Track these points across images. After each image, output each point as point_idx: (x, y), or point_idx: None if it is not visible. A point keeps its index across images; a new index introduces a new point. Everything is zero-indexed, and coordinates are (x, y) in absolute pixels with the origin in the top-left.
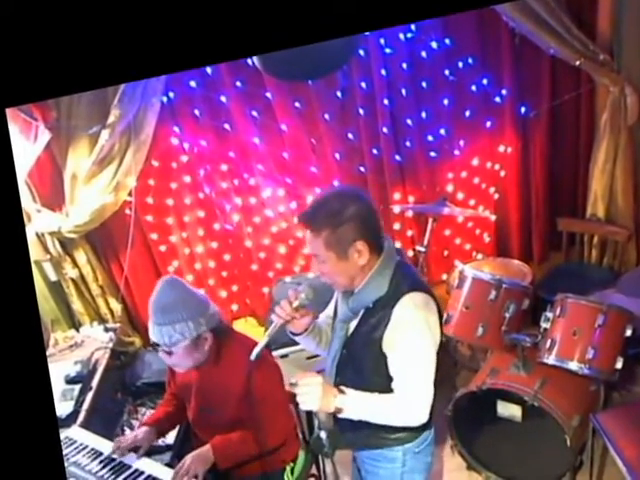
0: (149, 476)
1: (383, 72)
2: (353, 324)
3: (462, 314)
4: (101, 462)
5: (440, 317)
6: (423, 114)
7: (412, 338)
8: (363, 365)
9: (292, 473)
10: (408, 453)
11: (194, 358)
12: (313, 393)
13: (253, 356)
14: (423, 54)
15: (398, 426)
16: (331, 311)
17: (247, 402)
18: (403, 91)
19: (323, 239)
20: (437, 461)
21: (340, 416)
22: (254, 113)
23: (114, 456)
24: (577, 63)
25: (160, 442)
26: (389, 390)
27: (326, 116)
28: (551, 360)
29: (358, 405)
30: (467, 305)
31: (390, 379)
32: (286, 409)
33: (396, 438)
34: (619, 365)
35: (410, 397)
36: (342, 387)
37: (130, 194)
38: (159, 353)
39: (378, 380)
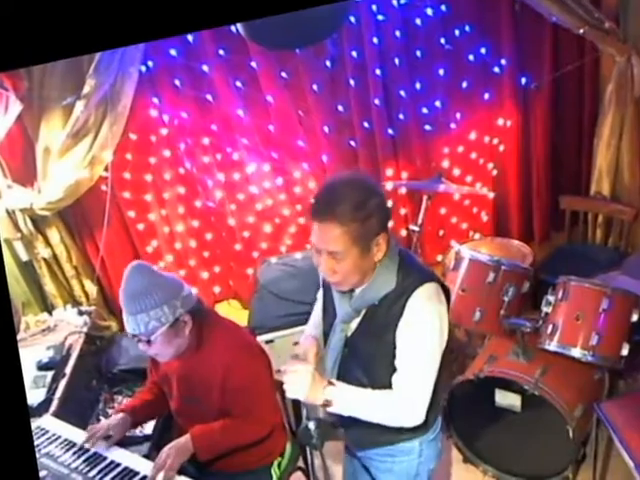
0: (126, 468)
1: (375, 40)
2: (355, 322)
3: (458, 298)
4: (75, 453)
5: (449, 307)
6: (417, 85)
7: (423, 334)
8: (370, 362)
9: (279, 467)
10: (424, 442)
11: (175, 344)
12: (301, 381)
13: None
14: (417, 21)
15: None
16: (319, 317)
17: (231, 390)
18: (396, 60)
19: (349, 233)
20: None
21: (330, 410)
22: (238, 83)
23: (86, 446)
24: (581, 31)
25: (138, 432)
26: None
27: (314, 87)
28: (553, 346)
29: (348, 399)
30: (464, 288)
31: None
32: (272, 399)
33: (412, 431)
34: (625, 352)
35: (408, 395)
36: (333, 380)
37: (106, 169)
38: (139, 345)
39: (384, 377)
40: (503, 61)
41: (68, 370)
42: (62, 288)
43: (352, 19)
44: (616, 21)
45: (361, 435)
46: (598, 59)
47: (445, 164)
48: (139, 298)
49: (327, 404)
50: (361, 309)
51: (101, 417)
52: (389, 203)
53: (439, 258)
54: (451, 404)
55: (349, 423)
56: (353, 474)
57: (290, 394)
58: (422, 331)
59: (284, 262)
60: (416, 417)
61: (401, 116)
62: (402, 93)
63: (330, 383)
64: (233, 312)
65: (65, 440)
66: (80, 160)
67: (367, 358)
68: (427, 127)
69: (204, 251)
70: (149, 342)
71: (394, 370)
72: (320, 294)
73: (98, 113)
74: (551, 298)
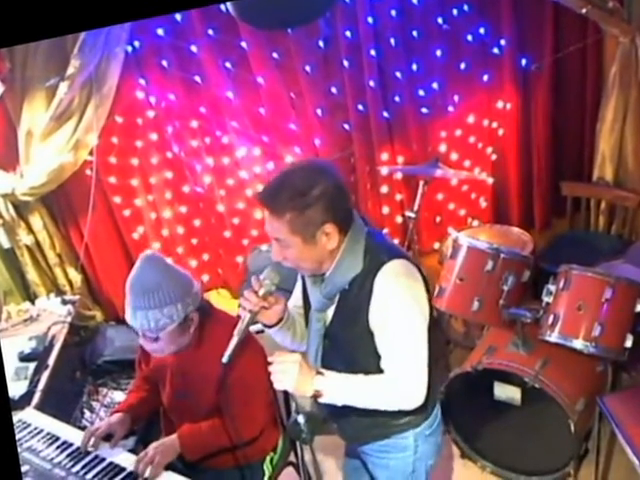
0: (111, 463)
1: (370, 20)
2: (330, 311)
3: (456, 287)
4: (58, 448)
5: (426, 284)
6: (414, 66)
7: (398, 309)
8: (352, 351)
9: (272, 463)
10: (419, 438)
11: (179, 342)
12: (289, 372)
13: (225, 359)
14: (414, 0)
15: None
16: (299, 300)
17: (228, 387)
18: (392, 41)
19: (287, 222)
20: None
21: (322, 401)
22: (228, 64)
23: (88, 448)
24: (583, 11)
25: None
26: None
27: (307, 68)
28: (554, 337)
29: (339, 387)
30: (461, 277)
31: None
32: (267, 396)
33: (405, 423)
34: (628, 343)
35: (401, 375)
36: (322, 369)
37: (91, 153)
38: (140, 340)
39: (372, 362)
40: (503, 42)
41: (51, 361)
42: (45, 276)
43: None
44: (620, 0)
45: (354, 429)
46: (601, 40)
47: (442, 148)
48: (152, 293)
49: (317, 395)
50: (332, 295)
51: (85, 410)
52: (342, 191)
53: (436, 246)
54: (448, 397)
55: (341, 418)
56: (353, 472)
57: (278, 385)
58: (396, 308)
59: None
60: (416, 397)
61: (397, 98)
62: (398, 74)
63: (319, 373)
64: (222, 301)
65: (48, 434)
66: (64, 143)
67: (348, 347)
68: (424, 110)
69: (192, 238)
70: (156, 339)
71: (378, 357)
72: (299, 282)
73: (82, 95)
74: (552, 287)
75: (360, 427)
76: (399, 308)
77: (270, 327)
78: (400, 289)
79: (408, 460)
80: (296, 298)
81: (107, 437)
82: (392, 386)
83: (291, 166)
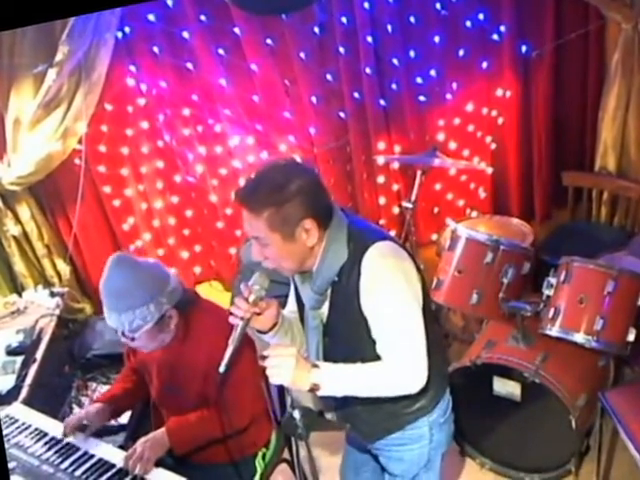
0: (100, 459)
1: (366, 5)
2: (325, 308)
3: (454, 279)
4: (46, 444)
5: (415, 263)
6: (411, 53)
7: (387, 290)
8: (351, 343)
9: (264, 459)
10: (434, 426)
11: (160, 339)
12: (284, 365)
13: (222, 368)
14: None
15: (412, 394)
16: (293, 305)
17: (214, 379)
18: (389, 27)
19: (265, 219)
20: None
21: (320, 394)
22: (221, 51)
23: (61, 436)
24: None
25: (112, 421)
26: None
27: (302, 55)
28: (554, 331)
29: (337, 379)
30: (460, 269)
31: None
32: (255, 388)
33: (417, 409)
34: (631, 337)
35: (397, 357)
36: (318, 362)
37: (80, 142)
38: (121, 339)
39: (370, 350)
40: (502, 28)
41: (39, 355)
42: (33, 268)
43: None
44: None
45: (368, 426)
46: (603, 26)
47: (440, 137)
48: (123, 296)
49: (315, 388)
50: (324, 290)
51: (74, 405)
52: (319, 187)
53: (434, 237)
54: None
55: (353, 418)
56: (353, 463)
57: (274, 380)
58: (386, 289)
59: None
60: (416, 379)
61: (394, 86)
62: (395, 62)
63: (315, 366)
64: (214, 294)
65: (36, 429)
66: (52, 132)
67: (348, 339)
68: (421, 98)
69: (184, 229)
70: (133, 339)
71: (374, 343)
72: (292, 287)
73: (71, 82)
74: (553, 280)
75: (373, 422)
76: (388, 288)
77: (265, 333)
78: (387, 269)
79: (424, 450)
80: (291, 303)
81: (83, 427)
82: (390, 369)
83: (267, 164)
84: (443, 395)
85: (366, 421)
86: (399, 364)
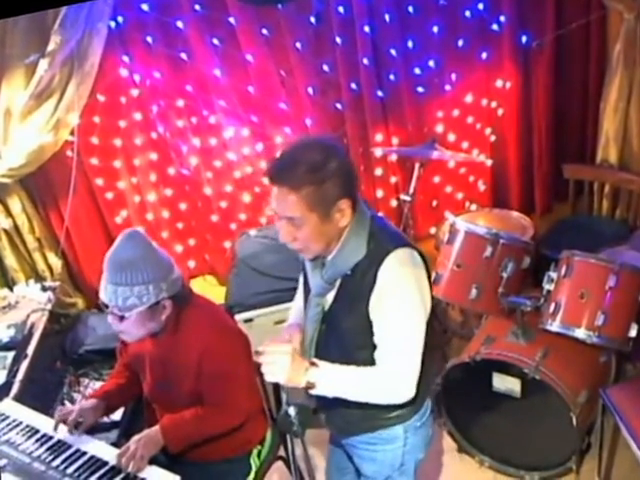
0: (92, 457)
1: None
2: (330, 296)
3: (453, 273)
4: (37, 441)
5: (429, 275)
6: (409, 43)
7: (400, 301)
8: (348, 338)
9: (259, 456)
10: (409, 430)
11: (147, 327)
12: (280, 363)
13: None
14: None
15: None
16: (301, 300)
17: (206, 376)
18: (387, 17)
19: (304, 197)
20: None
21: (313, 393)
22: (215, 41)
23: (54, 432)
24: None
25: (105, 418)
26: (374, 364)
27: (298, 45)
28: (555, 327)
29: (333, 380)
30: (459, 263)
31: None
32: (249, 385)
33: (396, 416)
34: (633, 333)
35: (394, 368)
36: (315, 360)
37: (72, 133)
38: (108, 316)
39: (367, 351)
40: (502, 18)
41: (30, 350)
42: (24, 262)
43: None
44: None
45: (343, 421)
46: (605, 16)
47: (439, 129)
48: (126, 269)
49: (310, 387)
50: (333, 280)
51: (66, 401)
52: (353, 167)
53: (432, 231)
54: (445, 389)
55: (330, 409)
56: (337, 464)
57: (269, 377)
58: (399, 299)
59: (264, 235)
60: (405, 392)
61: (392, 77)
62: (393, 52)
63: (312, 364)
64: (209, 288)
65: (27, 426)
66: (44, 123)
67: (345, 334)
68: (420, 89)
69: (178, 222)
70: (122, 318)
71: (373, 347)
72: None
73: (63, 72)
74: (553, 274)
75: (349, 419)
76: (401, 300)
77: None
78: (404, 280)
79: (397, 452)
80: (298, 300)
81: (77, 424)
82: (384, 377)
83: (300, 141)
84: (423, 403)
85: (342, 416)
86: (394, 374)
